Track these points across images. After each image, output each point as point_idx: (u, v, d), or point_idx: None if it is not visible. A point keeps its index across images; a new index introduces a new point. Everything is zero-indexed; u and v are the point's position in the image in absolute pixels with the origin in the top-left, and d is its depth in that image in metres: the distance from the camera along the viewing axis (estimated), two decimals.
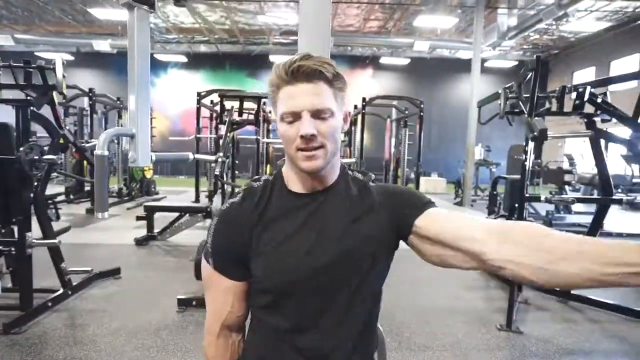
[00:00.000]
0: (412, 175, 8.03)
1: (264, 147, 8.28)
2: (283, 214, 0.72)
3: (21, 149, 2.61)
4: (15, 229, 2.71)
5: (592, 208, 6.75)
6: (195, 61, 14.24)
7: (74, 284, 3.13)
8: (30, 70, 2.91)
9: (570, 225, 6.30)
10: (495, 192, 4.53)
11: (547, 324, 2.93)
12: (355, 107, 7.14)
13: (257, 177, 0.81)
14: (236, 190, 4.99)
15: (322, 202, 0.73)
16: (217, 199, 3.98)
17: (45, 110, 2.92)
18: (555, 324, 2.94)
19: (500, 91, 3.58)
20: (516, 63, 14.03)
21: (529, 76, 3.11)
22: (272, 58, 13.80)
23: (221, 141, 4.17)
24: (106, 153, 1.67)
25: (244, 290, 0.75)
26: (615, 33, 10.90)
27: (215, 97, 7.63)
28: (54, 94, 2.92)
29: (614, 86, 3.43)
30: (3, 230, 2.78)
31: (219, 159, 3.21)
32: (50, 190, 3.94)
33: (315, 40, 1.46)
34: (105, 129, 8.36)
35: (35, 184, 2.81)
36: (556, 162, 9.90)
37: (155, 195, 8.73)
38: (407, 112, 7.33)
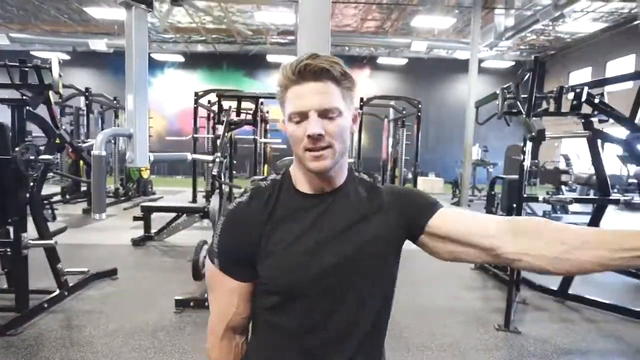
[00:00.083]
0: (410, 176, 8.03)
1: (262, 147, 8.28)
2: (292, 215, 0.71)
3: (17, 149, 2.59)
4: (11, 229, 2.69)
5: (589, 208, 6.80)
6: (193, 61, 14.19)
7: (70, 284, 3.11)
8: (26, 69, 2.89)
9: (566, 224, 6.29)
10: (493, 192, 4.54)
11: (545, 324, 2.94)
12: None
13: (264, 176, 0.80)
14: (236, 190, 4.98)
15: (331, 203, 0.73)
16: (214, 199, 3.96)
17: (42, 110, 2.90)
18: (553, 323, 2.95)
19: (498, 91, 3.58)
20: (513, 63, 14.09)
21: (526, 77, 3.12)
22: (269, 58, 13.78)
23: (219, 141, 4.15)
24: (104, 153, 1.66)
25: (250, 291, 0.74)
26: (611, 34, 10.96)
27: (212, 97, 7.61)
28: (50, 93, 2.89)
29: (610, 87, 3.44)
30: None
31: (217, 159, 3.19)
32: (46, 190, 3.91)
33: (315, 40, 1.46)
34: (102, 128, 8.31)
35: (31, 184, 2.79)
36: (553, 162, 9.95)
37: (152, 195, 8.69)
38: (404, 112, 7.34)
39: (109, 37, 11.77)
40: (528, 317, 3.05)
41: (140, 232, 4.94)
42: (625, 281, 3.85)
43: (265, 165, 8.51)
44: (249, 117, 4.90)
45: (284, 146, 9.06)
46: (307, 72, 0.66)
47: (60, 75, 2.83)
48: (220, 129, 4.55)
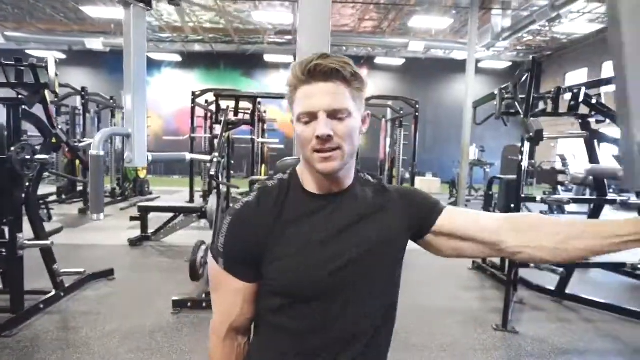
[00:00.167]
0: (407, 175, 8.04)
1: (259, 147, 8.26)
2: (301, 216, 0.70)
3: (12, 148, 2.56)
4: (6, 229, 2.66)
5: (585, 208, 6.84)
6: (190, 60, 14.13)
7: (67, 285, 3.08)
8: (22, 68, 2.86)
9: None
10: (490, 193, 4.56)
11: (543, 324, 2.95)
12: None
13: (270, 175, 0.79)
14: (233, 190, 4.96)
15: (340, 205, 0.72)
16: (212, 199, 3.95)
17: (37, 110, 2.87)
18: (550, 323, 2.96)
19: (496, 92, 3.59)
20: (510, 64, 14.14)
21: (524, 77, 3.13)
22: (267, 58, 13.75)
23: (216, 141, 4.13)
24: (102, 153, 1.64)
25: (254, 291, 0.73)
26: (606, 35, 11.03)
27: (209, 97, 7.58)
28: (46, 92, 2.87)
29: (606, 87, 3.46)
30: None
31: (215, 159, 3.17)
32: (42, 190, 3.88)
33: (315, 40, 1.45)
34: (98, 128, 8.26)
35: (27, 184, 2.76)
36: (549, 162, 10.00)
37: (149, 195, 8.65)
38: (402, 112, 7.35)
39: (105, 36, 11.70)
40: (525, 317, 3.06)
41: (137, 232, 4.91)
42: (622, 281, 3.87)
43: (263, 165, 8.49)
44: (247, 117, 4.89)
45: (282, 146, 9.05)
46: (317, 72, 0.65)
47: (56, 74, 2.80)
48: (218, 129, 4.53)
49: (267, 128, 9.10)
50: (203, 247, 3.23)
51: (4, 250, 2.61)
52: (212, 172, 3.18)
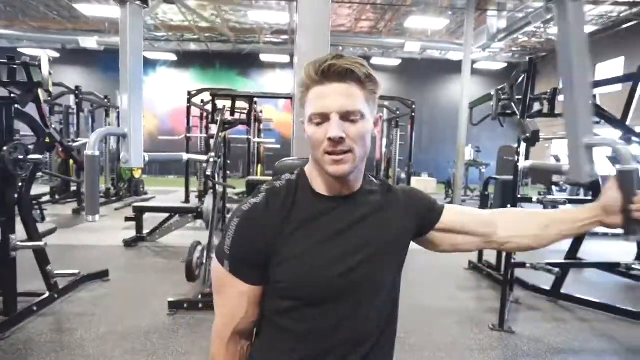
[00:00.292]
0: (403, 176, 8.06)
1: (255, 147, 8.23)
2: (309, 217, 0.69)
3: (5, 148, 2.53)
4: None
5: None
6: (185, 59, 14.05)
7: (61, 287, 3.05)
8: (15, 66, 2.82)
9: None
10: (486, 193, 4.58)
11: (538, 324, 2.96)
12: None
13: (277, 175, 0.78)
14: (230, 190, 4.93)
15: (350, 207, 0.72)
16: (208, 200, 3.92)
17: (30, 109, 2.83)
18: (546, 323, 2.98)
19: (492, 92, 3.61)
20: (505, 65, 14.23)
21: (521, 78, 3.14)
22: (262, 57, 13.71)
23: (212, 141, 4.11)
24: (97, 153, 1.61)
25: (259, 294, 0.71)
26: (600, 37, 11.15)
27: (205, 96, 7.54)
28: (40, 91, 2.83)
29: (599, 89, 3.49)
30: None
31: (211, 159, 3.15)
32: (35, 190, 3.83)
33: (314, 40, 1.44)
34: (92, 127, 8.19)
35: (20, 184, 2.72)
36: (544, 162, 10.07)
37: (144, 195, 8.59)
38: (398, 112, 7.36)
39: (99, 34, 11.58)
40: (521, 316, 3.07)
41: (132, 233, 4.87)
42: (616, 281, 3.90)
43: (259, 165, 8.46)
44: (243, 116, 4.87)
45: (278, 146, 9.03)
46: (331, 72, 0.64)
47: (50, 73, 2.77)
48: (214, 129, 4.51)
49: (263, 128, 9.08)
50: (199, 248, 3.21)
51: None
52: (209, 172, 3.16)
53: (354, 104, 0.65)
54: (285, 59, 13.61)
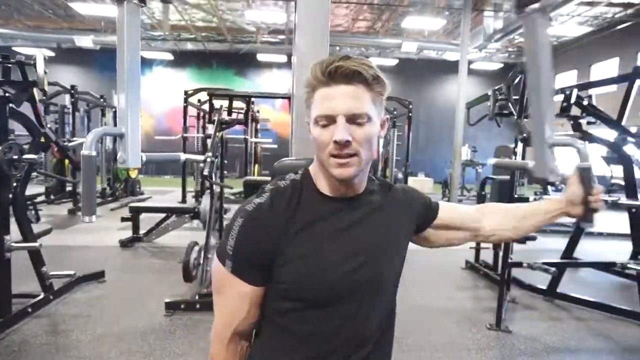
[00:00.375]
0: (400, 175, 8.08)
1: (252, 147, 8.22)
2: (314, 218, 0.69)
3: None
4: None
5: None
6: (182, 59, 13.99)
7: (56, 288, 3.02)
8: (9, 65, 2.79)
9: (553, 224, 6.46)
10: (483, 192, 4.60)
11: (535, 323, 2.98)
12: None
13: (275, 176, 0.77)
14: (227, 190, 4.92)
15: (354, 208, 0.72)
16: (205, 200, 3.91)
17: (25, 108, 2.81)
18: (542, 322, 3.00)
19: (489, 93, 3.62)
20: (501, 65, 14.30)
21: (518, 78, 3.15)
22: (259, 57, 13.69)
23: (209, 141, 4.10)
24: (94, 153, 1.59)
25: (261, 295, 0.71)
26: (596, 37, 11.23)
27: (202, 96, 7.52)
28: (35, 90, 2.80)
29: (595, 89, 3.51)
30: None
31: (208, 159, 3.14)
32: (30, 190, 3.80)
33: (313, 40, 1.44)
34: (88, 127, 8.13)
35: (15, 184, 2.70)
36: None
37: (140, 195, 8.54)
38: (395, 112, 7.38)
39: (95, 33, 11.50)
40: (518, 316, 3.09)
41: (128, 233, 4.84)
42: (612, 280, 3.93)
43: (256, 165, 8.44)
44: (241, 116, 4.85)
45: (275, 146, 9.02)
46: (338, 74, 0.63)
47: (45, 72, 2.74)
48: (210, 129, 4.50)
49: (260, 128, 9.06)
50: (196, 248, 3.20)
51: None
52: (206, 172, 3.14)
53: (361, 107, 0.64)
54: (283, 58, 13.59)
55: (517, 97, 3.11)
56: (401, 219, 0.78)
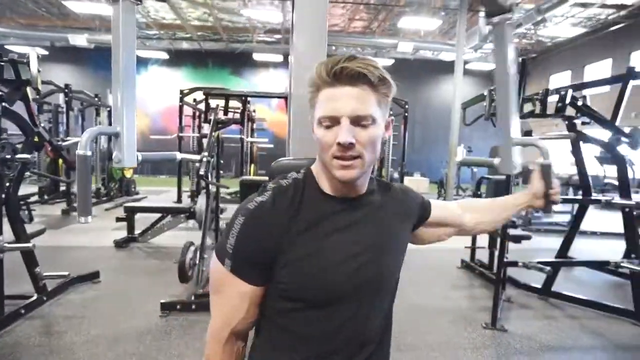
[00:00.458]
0: (396, 175, 8.10)
1: (248, 147, 8.19)
2: (317, 218, 0.68)
3: None
4: None
5: (568, 207, 7.01)
6: (177, 58, 13.92)
7: (49, 289, 2.99)
8: (2, 64, 2.75)
9: (548, 224, 6.52)
10: (479, 192, 4.63)
11: (530, 321, 3.00)
12: None
13: (273, 176, 0.76)
14: (223, 190, 4.90)
15: (356, 209, 0.71)
16: (201, 199, 3.89)
17: (19, 107, 2.77)
18: (538, 321, 3.02)
19: (485, 93, 3.64)
20: None
21: None
22: (255, 56, 13.65)
23: (205, 140, 4.08)
24: (89, 153, 1.58)
25: (260, 295, 0.70)
26: (589, 39, 11.33)
27: (197, 95, 7.48)
28: (28, 89, 2.77)
29: (589, 90, 3.54)
30: None
31: (204, 159, 3.13)
32: (23, 190, 3.75)
33: (311, 40, 1.43)
34: (82, 126, 8.06)
35: (7, 184, 2.66)
36: (534, 162, 10.19)
37: (135, 195, 8.48)
38: (391, 112, 7.39)
39: (89, 32, 11.41)
40: (513, 314, 3.11)
41: (123, 234, 4.80)
42: (605, 279, 3.97)
43: (252, 165, 8.42)
44: (237, 116, 4.84)
45: (271, 145, 8.99)
46: (343, 75, 0.62)
47: (39, 71, 2.71)
48: (206, 128, 4.48)
49: (256, 127, 9.03)
50: (192, 248, 3.18)
51: None
52: (202, 172, 3.13)
53: (366, 109, 0.64)
54: (278, 58, 13.56)
55: None
56: (401, 219, 0.79)
